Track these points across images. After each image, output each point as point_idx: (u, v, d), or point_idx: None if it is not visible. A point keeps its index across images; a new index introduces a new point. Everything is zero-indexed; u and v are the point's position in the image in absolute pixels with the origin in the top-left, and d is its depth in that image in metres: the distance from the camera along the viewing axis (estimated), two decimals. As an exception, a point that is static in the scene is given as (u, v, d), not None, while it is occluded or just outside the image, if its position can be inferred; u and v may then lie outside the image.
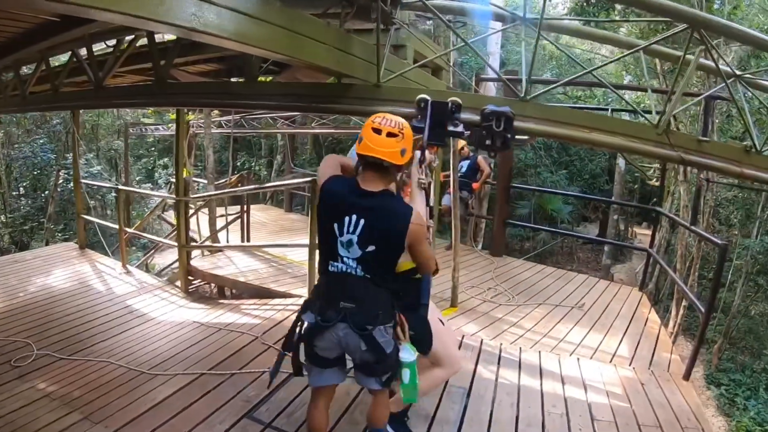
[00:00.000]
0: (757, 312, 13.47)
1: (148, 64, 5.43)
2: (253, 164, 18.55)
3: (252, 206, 13.56)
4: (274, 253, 8.28)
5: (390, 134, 2.62)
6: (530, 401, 4.17)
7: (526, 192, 15.64)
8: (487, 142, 3.63)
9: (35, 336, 5.42)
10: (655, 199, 13.62)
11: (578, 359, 5.16)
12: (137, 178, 18.11)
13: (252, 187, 9.65)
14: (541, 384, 4.53)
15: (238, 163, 19.00)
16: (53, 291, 7.02)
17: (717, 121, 10.64)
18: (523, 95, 3.73)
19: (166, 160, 20.01)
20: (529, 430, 3.79)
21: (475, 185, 9.31)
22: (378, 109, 4.06)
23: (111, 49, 5.41)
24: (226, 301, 7.07)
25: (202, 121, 12.89)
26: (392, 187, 2.88)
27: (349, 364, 2.89)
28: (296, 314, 2.85)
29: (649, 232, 14.64)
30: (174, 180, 8.65)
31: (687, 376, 4.98)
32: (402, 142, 2.65)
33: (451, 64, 4.55)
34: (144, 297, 6.87)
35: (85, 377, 4.46)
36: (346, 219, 2.64)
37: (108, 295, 6.91)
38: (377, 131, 2.63)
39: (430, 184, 3.33)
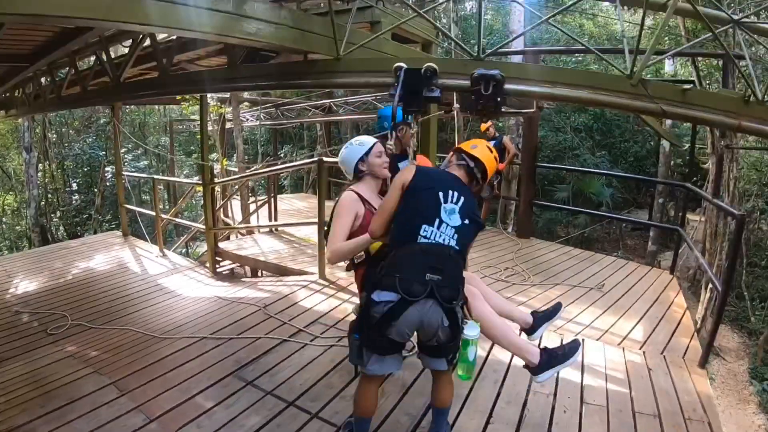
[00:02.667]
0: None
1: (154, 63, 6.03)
2: (294, 154, 19.05)
3: (292, 195, 14.00)
4: (299, 235, 8.68)
5: (495, 158, 3.00)
6: (517, 380, 3.98)
7: (566, 174, 15.31)
8: (480, 105, 3.68)
9: (72, 309, 6.04)
10: (695, 178, 13.07)
11: (583, 340, 4.78)
12: (186, 172, 18.90)
13: (263, 170, 10.02)
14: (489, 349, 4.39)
15: (281, 154, 19.51)
16: (93, 272, 7.66)
17: (739, 85, 10.17)
18: (476, 54, 3.80)
19: (214, 155, 20.86)
20: (507, 408, 3.62)
21: (501, 166, 9.09)
22: (338, 81, 4.44)
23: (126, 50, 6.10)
24: (247, 280, 7.54)
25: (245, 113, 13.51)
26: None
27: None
28: (363, 295, 2.78)
29: (703, 218, 14.18)
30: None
31: (702, 364, 4.62)
32: (496, 168, 3.06)
33: (452, 37, 4.68)
34: (174, 277, 7.40)
35: (107, 342, 4.97)
36: (450, 191, 2.73)
37: (142, 275, 7.49)
38: (490, 150, 3.00)
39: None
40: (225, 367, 4.08)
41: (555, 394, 3.85)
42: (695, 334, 5.36)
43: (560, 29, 5.44)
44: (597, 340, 5.01)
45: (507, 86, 3.70)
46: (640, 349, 4.87)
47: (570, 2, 7.74)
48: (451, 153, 3.07)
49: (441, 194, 2.70)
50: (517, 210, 10.59)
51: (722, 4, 3.52)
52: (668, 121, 12.05)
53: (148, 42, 5.63)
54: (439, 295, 2.46)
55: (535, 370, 2.92)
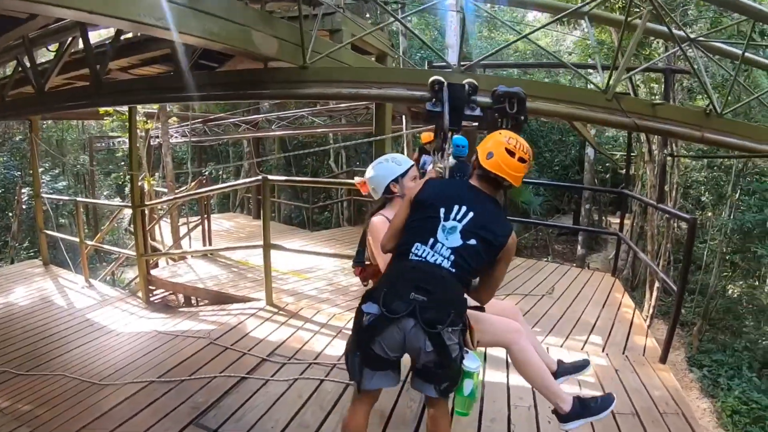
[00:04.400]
0: (735, 291, 13.69)
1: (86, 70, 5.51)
2: (220, 172, 18.52)
3: (219, 215, 13.51)
4: (235, 258, 8.33)
5: (521, 159, 2.64)
6: (496, 395, 3.99)
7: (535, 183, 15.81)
8: (502, 125, 3.54)
9: None
10: (623, 185, 13.90)
11: (547, 348, 4.83)
12: (105, 193, 17.98)
13: (200, 190, 9.60)
14: (507, 376, 4.33)
15: (205, 172, 18.88)
16: (13, 309, 7.06)
17: (680, 96, 10.68)
18: (456, 65, 3.83)
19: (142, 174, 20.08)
20: (493, 426, 3.60)
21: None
22: (305, 92, 4.22)
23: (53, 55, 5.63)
24: (185, 309, 7.13)
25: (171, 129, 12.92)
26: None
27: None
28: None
29: (615, 219, 14.87)
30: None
31: (664, 359, 4.84)
32: (527, 167, 2.68)
33: (401, 52, 4.59)
34: (105, 309, 6.92)
35: (38, 391, 4.52)
36: (456, 207, 2.58)
37: (69, 310, 6.97)
38: (511, 153, 2.63)
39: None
40: (183, 416, 3.69)
41: (535, 406, 3.85)
42: (648, 332, 5.59)
43: (541, 47, 5.51)
44: (560, 346, 5.07)
45: (482, 99, 3.65)
46: (603, 351, 4.97)
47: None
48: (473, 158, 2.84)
49: (443, 210, 2.58)
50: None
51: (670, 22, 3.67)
52: (593, 131, 12.47)
53: (80, 45, 5.17)
54: (421, 317, 2.34)
55: (563, 417, 2.82)
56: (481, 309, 2.83)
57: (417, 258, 2.52)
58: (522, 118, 3.57)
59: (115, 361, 5.06)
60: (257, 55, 4.14)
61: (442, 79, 3.54)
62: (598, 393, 3.11)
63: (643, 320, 6.12)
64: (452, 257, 2.49)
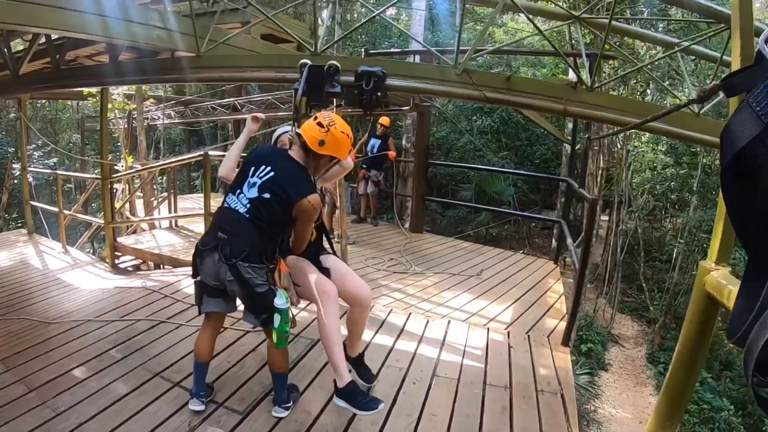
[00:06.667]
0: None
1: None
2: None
3: (196, 194, 14.32)
4: (197, 231, 9.05)
5: (319, 123, 3.05)
6: (375, 356, 4.27)
7: (471, 175, 15.79)
8: (363, 99, 4.06)
9: None
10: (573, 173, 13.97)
11: (449, 321, 5.27)
12: (97, 171, 18.66)
13: (154, 164, 10.50)
14: (394, 341, 4.67)
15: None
16: (-6, 269, 7.89)
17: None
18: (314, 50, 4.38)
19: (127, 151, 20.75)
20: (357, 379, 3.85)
21: (391, 154, 9.51)
22: (201, 76, 4.90)
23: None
24: (141, 272, 8.03)
25: (156, 111, 13.74)
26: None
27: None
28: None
29: (605, 216, 14.72)
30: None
31: (566, 342, 4.92)
32: (324, 134, 3.03)
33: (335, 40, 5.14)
34: (75, 271, 7.76)
35: (3, 329, 5.36)
36: (262, 167, 3.05)
37: (42, 271, 7.83)
38: (318, 123, 3.06)
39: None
40: (102, 346, 4.56)
41: (408, 368, 4.20)
42: (566, 316, 5.63)
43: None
44: (463, 321, 5.37)
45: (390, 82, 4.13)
46: (505, 329, 5.21)
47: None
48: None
49: (252, 169, 3.09)
50: (412, 206, 10.94)
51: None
52: (570, 124, 12.77)
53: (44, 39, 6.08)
54: (221, 252, 2.99)
55: (337, 391, 3.21)
56: (327, 273, 3.39)
57: (226, 206, 3.10)
58: (378, 94, 4.08)
59: (68, 308, 5.92)
60: (161, 48, 4.91)
61: (307, 61, 4.02)
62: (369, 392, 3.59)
63: (565, 306, 6.15)
64: (248, 206, 3.02)
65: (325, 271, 3.41)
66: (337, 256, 3.75)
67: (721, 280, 1.78)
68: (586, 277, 5.47)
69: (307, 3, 5.21)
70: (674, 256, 13.39)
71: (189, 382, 3.88)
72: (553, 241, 15.19)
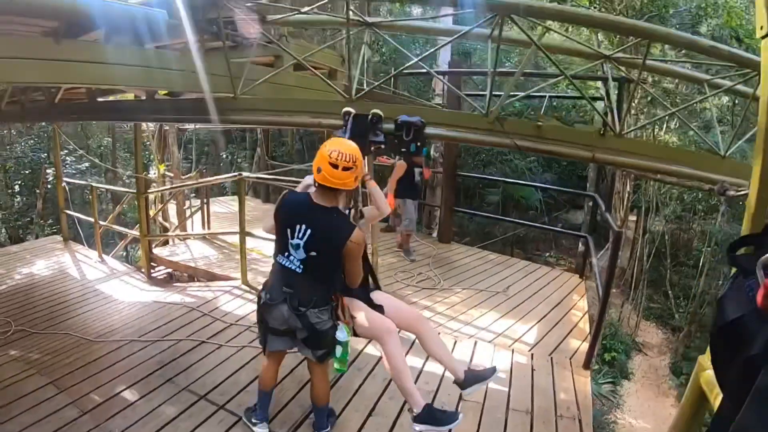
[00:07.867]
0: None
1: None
2: (235, 156, 19.36)
3: (232, 197, 14.45)
4: (230, 241, 9.20)
5: (345, 168, 3.01)
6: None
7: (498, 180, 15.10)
8: (402, 149, 4.15)
9: (16, 315, 6.50)
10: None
11: (475, 342, 5.41)
12: (128, 173, 18.95)
13: (184, 183, 10.60)
14: (424, 363, 4.76)
15: (223, 155, 19.97)
16: (35, 278, 8.13)
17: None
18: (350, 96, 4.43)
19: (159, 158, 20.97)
20: (389, 403, 4.18)
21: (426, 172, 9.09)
22: (238, 119, 4.95)
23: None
24: (178, 285, 8.18)
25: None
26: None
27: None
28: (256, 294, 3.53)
29: (633, 217, 14.36)
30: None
31: (587, 365, 5.02)
32: (356, 172, 3.07)
33: (365, 61, 5.12)
34: (112, 282, 7.95)
35: (48, 345, 5.54)
36: (297, 227, 3.13)
37: (81, 281, 8.00)
38: (334, 166, 2.99)
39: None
40: (148, 367, 4.76)
41: (437, 392, 4.35)
42: (588, 337, 5.64)
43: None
44: (489, 342, 5.49)
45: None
46: (529, 351, 5.31)
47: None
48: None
49: (289, 231, 3.18)
50: (441, 216, 10.89)
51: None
52: None
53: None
54: (290, 304, 3.20)
55: (414, 417, 3.30)
56: (380, 309, 3.51)
57: (281, 265, 3.26)
58: (418, 144, 4.13)
59: (110, 323, 6.12)
60: (198, 92, 4.77)
61: (351, 110, 4.09)
62: (450, 408, 3.63)
63: (589, 324, 6.18)
64: (301, 266, 3.19)
65: (379, 308, 3.52)
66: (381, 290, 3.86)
67: (713, 381, 1.81)
68: (608, 305, 5.39)
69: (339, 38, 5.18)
70: (701, 262, 13.19)
71: (233, 405, 4.10)
72: (580, 245, 14.85)
